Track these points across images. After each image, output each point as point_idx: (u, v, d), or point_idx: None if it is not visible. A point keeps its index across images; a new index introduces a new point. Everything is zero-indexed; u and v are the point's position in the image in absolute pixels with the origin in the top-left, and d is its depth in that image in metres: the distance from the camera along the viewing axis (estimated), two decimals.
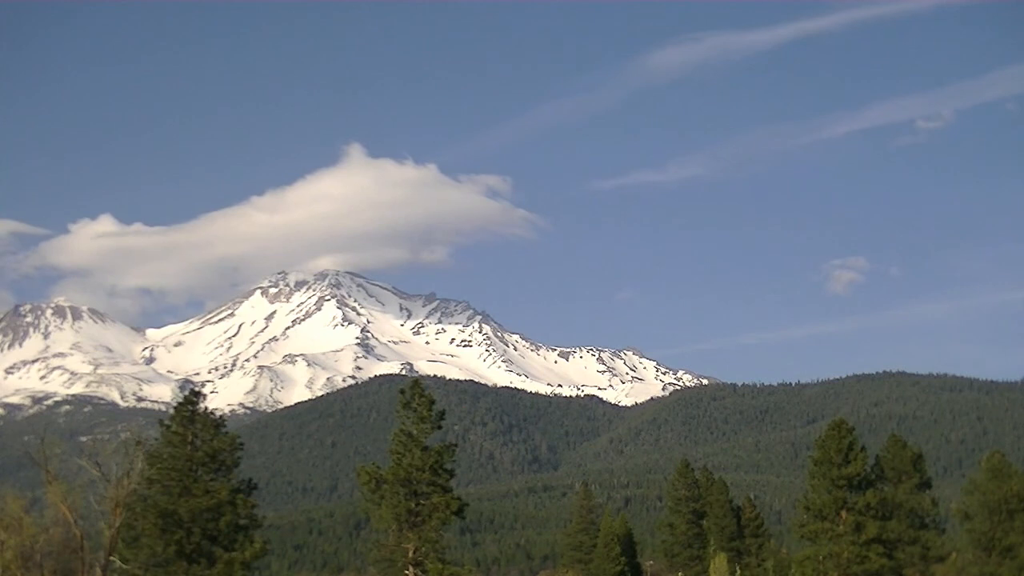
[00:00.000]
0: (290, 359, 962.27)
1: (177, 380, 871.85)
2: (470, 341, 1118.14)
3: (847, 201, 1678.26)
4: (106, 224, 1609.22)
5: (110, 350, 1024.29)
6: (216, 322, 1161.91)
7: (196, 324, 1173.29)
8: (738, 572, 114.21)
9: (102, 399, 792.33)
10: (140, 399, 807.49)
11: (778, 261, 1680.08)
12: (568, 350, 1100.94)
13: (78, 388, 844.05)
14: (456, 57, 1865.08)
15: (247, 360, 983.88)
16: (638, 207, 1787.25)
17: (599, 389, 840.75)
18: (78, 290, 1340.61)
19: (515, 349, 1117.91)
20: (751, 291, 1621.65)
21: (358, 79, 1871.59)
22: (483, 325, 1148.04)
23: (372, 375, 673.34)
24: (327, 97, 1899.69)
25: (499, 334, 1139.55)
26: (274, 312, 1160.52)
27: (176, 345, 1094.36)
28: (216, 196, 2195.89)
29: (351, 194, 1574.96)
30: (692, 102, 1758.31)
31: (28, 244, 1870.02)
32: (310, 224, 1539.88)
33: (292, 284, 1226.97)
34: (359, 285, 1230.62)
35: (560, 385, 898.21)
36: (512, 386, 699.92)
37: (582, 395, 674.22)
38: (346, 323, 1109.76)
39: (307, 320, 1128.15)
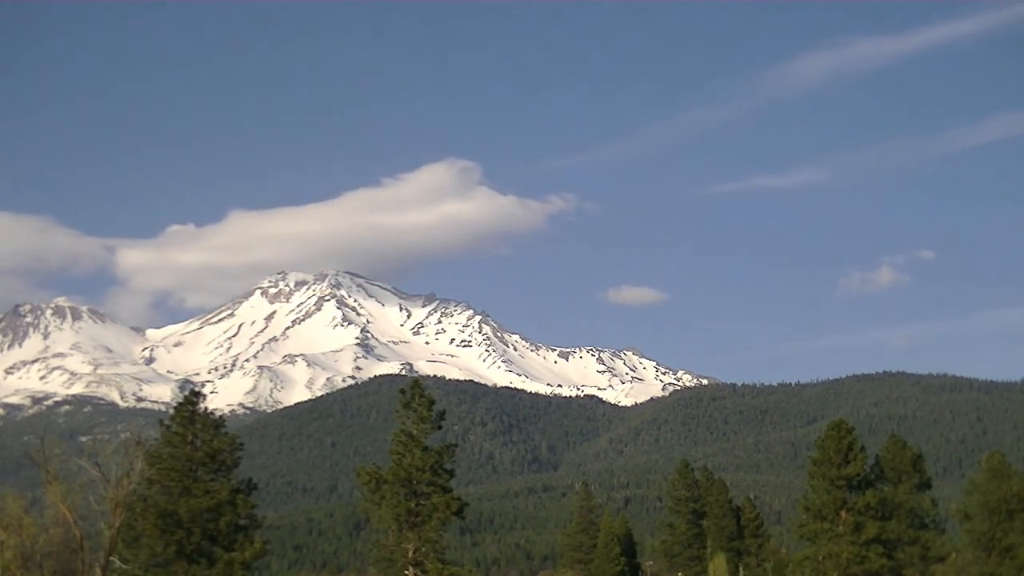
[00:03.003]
0: (290, 359, 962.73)
1: (177, 380, 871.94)
2: (470, 341, 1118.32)
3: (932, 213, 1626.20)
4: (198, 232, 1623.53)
5: (110, 350, 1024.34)
6: (216, 322, 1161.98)
7: (196, 324, 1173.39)
8: (741, 572, 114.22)
9: (102, 399, 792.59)
10: (140, 399, 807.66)
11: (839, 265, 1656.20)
12: (568, 350, 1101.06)
13: (78, 388, 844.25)
14: (583, 68, 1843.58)
15: (247, 360, 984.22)
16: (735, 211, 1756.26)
17: (599, 389, 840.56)
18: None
19: (515, 349, 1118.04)
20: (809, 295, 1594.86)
21: (474, 84, 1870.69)
22: (483, 325, 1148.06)
23: (372, 375, 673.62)
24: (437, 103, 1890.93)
25: (499, 334, 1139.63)
26: (274, 312, 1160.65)
27: (176, 345, 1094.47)
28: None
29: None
30: (825, 110, 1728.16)
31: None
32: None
33: (292, 284, 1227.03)
34: (359, 285, 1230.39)
35: (560, 385, 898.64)
36: (512, 386, 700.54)
37: (582, 395, 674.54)
38: (346, 323, 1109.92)
39: (307, 320, 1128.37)
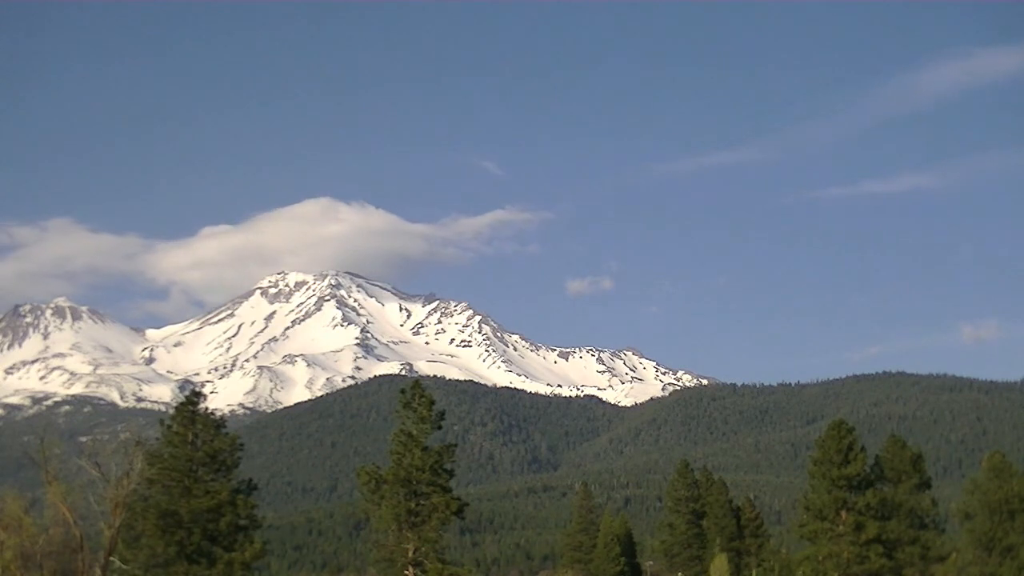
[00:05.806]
0: (290, 359, 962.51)
1: (177, 380, 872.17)
2: (470, 341, 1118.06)
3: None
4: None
5: (110, 350, 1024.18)
6: (216, 322, 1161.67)
7: (196, 324, 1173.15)
8: (752, 572, 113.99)
9: (102, 399, 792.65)
10: (140, 399, 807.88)
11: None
12: (568, 350, 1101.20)
13: (78, 388, 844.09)
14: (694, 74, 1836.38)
15: (247, 360, 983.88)
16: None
17: (599, 389, 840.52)
18: None
19: (515, 349, 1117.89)
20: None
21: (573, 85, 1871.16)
22: (483, 325, 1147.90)
23: (372, 375, 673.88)
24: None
25: (499, 334, 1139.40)
26: (274, 312, 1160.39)
27: (176, 345, 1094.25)
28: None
29: None
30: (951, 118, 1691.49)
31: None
32: None
33: (292, 284, 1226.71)
34: (359, 285, 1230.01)
35: (560, 385, 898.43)
36: (512, 386, 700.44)
37: (582, 395, 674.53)
38: (346, 323, 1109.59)
39: (307, 320, 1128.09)
